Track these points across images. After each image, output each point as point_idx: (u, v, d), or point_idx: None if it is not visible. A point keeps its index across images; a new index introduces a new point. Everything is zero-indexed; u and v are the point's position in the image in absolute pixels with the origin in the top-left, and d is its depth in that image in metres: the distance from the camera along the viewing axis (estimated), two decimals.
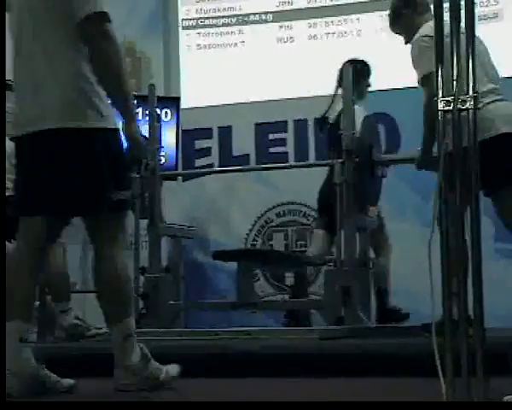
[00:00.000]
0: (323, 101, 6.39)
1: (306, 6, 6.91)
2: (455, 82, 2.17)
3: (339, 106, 5.23)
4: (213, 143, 6.92)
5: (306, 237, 6.67)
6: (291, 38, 6.91)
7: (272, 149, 6.78)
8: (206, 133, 6.92)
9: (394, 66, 5.97)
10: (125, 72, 3.04)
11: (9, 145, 5.01)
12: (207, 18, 7.12)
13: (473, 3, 2.20)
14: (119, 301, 3.04)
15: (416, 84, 5.23)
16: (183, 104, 6.74)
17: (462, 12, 2.20)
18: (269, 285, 6.66)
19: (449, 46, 2.19)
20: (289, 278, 6.47)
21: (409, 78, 5.89)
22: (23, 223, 3.13)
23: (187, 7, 7.19)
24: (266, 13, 6.99)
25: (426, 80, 4.02)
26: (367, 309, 5.01)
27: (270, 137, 6.80)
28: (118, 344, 3.02)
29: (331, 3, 6.85)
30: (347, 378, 3.45)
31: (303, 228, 6.69)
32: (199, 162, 6.92)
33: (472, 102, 2.16)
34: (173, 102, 6.68)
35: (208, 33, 7.12)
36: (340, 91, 5.31)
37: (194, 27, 7.15)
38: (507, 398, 2.16)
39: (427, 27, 4.09)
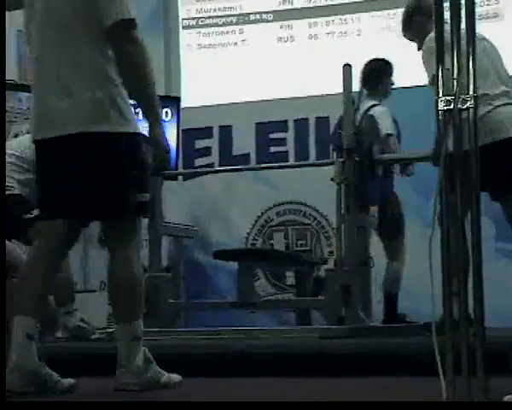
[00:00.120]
0: (324, 100, 6.40)
1: (307, 5, 6.91)
2: (455, 81, 2.17)
3: (364, 106, 5.23)
4: (214, 143, 6.92)
5: (307, 236, 6.67)
6: (291, 37, 6.91)
7: (272, 149, 6.78)
8: (206, 133, 6.92)
9: (394, 65, 5.95)
10: (152, 76, 3.05)
11: (11, 145, 5.04)
12: (208, 17, 7.12)
13: (473, 3, 2.20)
14: (130, 302, 3.05)
15: (417, 84, 5.26)
16: (184, 104, 6.75)
17: (463, 11, 2.20)
18: (269, 285, 6.66)
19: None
20: (290, 278, 6.48)
21: (409, 77, 5.93)
22: (45, 224, 3.15)
23: (187, 6, 7.19)
24: (267, 12, 6.99)
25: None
26: (367, 309, 5.01)
27: (271, 136, 6.81)
28: (124, 344, 3.03)
29: (331, 3, 6.85)
30: (347, 378, 3.45)
31: (303, 227, 6.69)
32: (199, 162, 6.92)
33: (472, 102, 2.16)
34: (173, 101, 6.68)
35: (209, 33, 7.12)
36: (364, 91, 5.31)
37: (194, 27, 7.15)
38: (507, 398, 2.16)
39: None
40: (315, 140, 6.67)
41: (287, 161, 6.62)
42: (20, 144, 4.99)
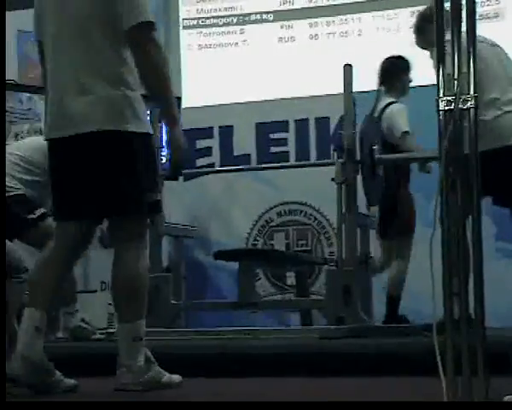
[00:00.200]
0: (324, 100, 6.40)
1: (307, 6, 6.90)
2: (456, 81, 2.17)
3: (383, 102, 5.23)
4: (214, 143, 6.91)
5: (307, 236, 6.67)
6: (292, 37, 6.90)
7: (273, 149, 6.78)
8: (207, 133, 6.92)
9: None
10: (170, 79, 3.09)
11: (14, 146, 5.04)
12: (208, 18, 7.11)
13: (474, 3, 2.20)
14: (133, 302, 3.05)
15: (419, 84, 5.25)
16: (184, 104, 6.73)
17: (463, 11, 2.20)
18: (270, 285, 6.66)
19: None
20: (290, 278, 6.47)
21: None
22: (60, 224, 3.18)
23: (188, 6, 7.18)
24: (267, 12, 6.98)
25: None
26: (368, 309, 5.01)
27: (271, 136, 6.80)
28: (125, 344, 3.03)
29: (332, 3, 6.84)
30: (348, 378, 3.46)
31: (304, 228, 6.69)
32: (200, 162, 6.91)
33: (473, 102, 2.16)
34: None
35: (209, 33, 7.11)
36: (382, 88, 5.31)
37: (194, 27, 7.15)
38: (507, 398, 2.16)
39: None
40: (315, 140, 6.67)
41: (287, 161, 6.62)
42: (25, 145, 5.00)
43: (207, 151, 6.94)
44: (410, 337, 4.31)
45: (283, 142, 6.77)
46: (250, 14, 7.02)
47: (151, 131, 3.15)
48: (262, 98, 6.70)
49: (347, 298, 4.68)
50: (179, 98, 6.76)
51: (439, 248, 2.17)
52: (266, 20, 6.98)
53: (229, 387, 3.36)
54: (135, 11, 3.00)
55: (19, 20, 6.59)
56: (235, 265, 5.47)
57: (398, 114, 5.16)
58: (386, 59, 5.41)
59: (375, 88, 5.45)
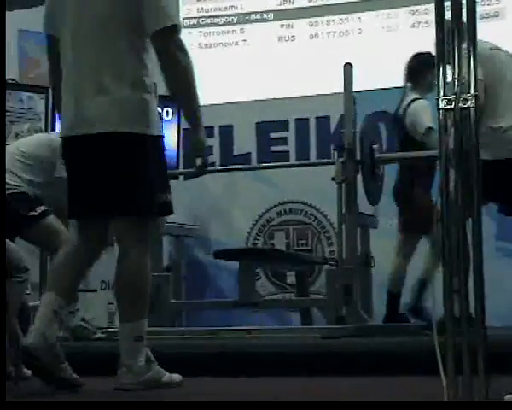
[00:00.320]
0: (324, 100, 6.40)
1: (307, 5, 6.90)
2: (456, 81, 2.17)
3: (407, 100, 5.22)
4: (214, 142, 6.91)
5: (307, 235, 6.67)
6: (292, 36, 6.90)
7: (273, 148, 6.78)
8: (207, 132, 6.82)
9: (395, 64, 5.95)
10: (195, 82, 3.12)
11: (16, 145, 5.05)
12: (208, 17, 7.11)
13: (474, 2, 2.20)
14: (136, 301, 3.06)
15: None
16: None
17: (464, 10, 2.20)
18: (270, 284, 6.66)
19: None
20: (291, 277, 6.47)
21: None
22: (76, 222, 3.23)
23: (188, 6, 7.18)
24: (267, 12, 6.98)
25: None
26: (368, 308, 5.01)
27: (272, 135, 6.80)
28: (127, 344, 3.03)
29: (332, 2, 6.84)
30: (348, 378, 3.45)
31: (304, 227, 6.69)
32: (201, 161, 6.90)
33: (473, 101, 2.16)
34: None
35: (209, 32, 7.11)
36: (408, 85, 5.30)
37: (195, 26, 7.15)
38: (508, 397, 2.16)
39: None
40: (316, 139, 6.67)
41: (288, 160, 6.62)
42: (28, 142, 5.00)
43: (207, 150, 6.92)
44: (411, 337, 4.31)
45: (283, 141, 6.77)
46: (250, 13, 7.03)
47: (163, 133, 3.20)
48: (262, 97, 6.69)
49: (347, 297, 4.68)
50: None
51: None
52: (266, 20, 6.98)
53: (230, 386, 3.36)
54: (161, 14, 3.02)
55: (19, 20, 6.60)
56: (235, 264, 5.47)
57: (422, 111, 5.12)
58: (413, 56, 5.37)
59: (375, 87, 5.45)
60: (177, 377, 3.14)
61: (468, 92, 2.16)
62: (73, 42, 3.10)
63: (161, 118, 5.98)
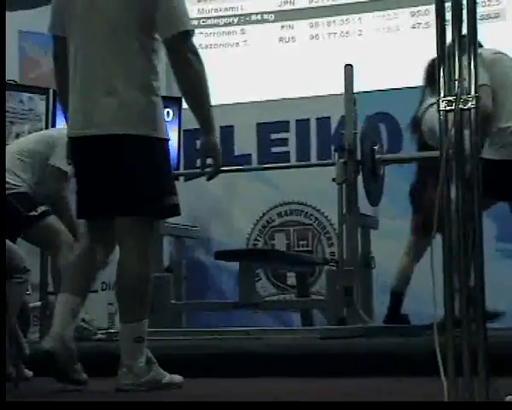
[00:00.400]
0: (325, 100, 6.40)
1: (308, 6, 6.91)
2: (457, 82, 2.17)
3: (426, 103, 5.22)
4: None
5: (308, 236, 6.67)
6: (293, 37, 6.90)
7: (274, 149, 6.78)
8: None
9: (396, 66, 5.97)
10: (208, 88, 3.20)
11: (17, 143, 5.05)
12: (209, 18, 7.11)
13: (474, 3, 2.20)
14: (136, 302, 3.06)
15: (418, 85, 5.24)
16: (185, 104, 6.73)
17: (464, 12, 2.20)
18: (271, 285, 6.66)
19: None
20: (291, 278, 6.47)
21: (410, 78, 5.92)
22: (88, 223, 3.26)
23: (189, 6, 7.14)
24: (268, 13, 6.99)
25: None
26: (369, 309, 5.00)
27: (272, 136, 6.80)
28: (127, 344, 3.03)
29: (332, 3, 6.85)
30: (349, 378, 3.45)
31: (304, 228, 6.69)
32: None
33: (474, 102, 2.16)
34: (175, 101, 6.66)
35: (210, 33, 7.12)
36: (428, 89, 5.29)
37: (196, 27, 7.11)
38: (509, 398, 2.16)
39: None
40: (316, 140, 6.67)
41: (288, 161, 6.62)
42: (27, 140, 5.01)
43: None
44: (411, 338, 4.31)
45: (284, 142, 6.77)
46: (251, 14, 7.03)
47: (169, 137, 3.24)
48: (263, 98, 6.70)
49: (348, 298, 4.68)
50: (180, 98, 6.78)
51: (440, 249, 2.17)
52: (267, 21, 6.99)
53: (230, 387, 3.36)
54: (175, 19, 3.06)
55: (20, 21, 6.60)
56: (235, 265, 5.47)
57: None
58: (432, 60, 5.36)
59: (376, 88, 5.45)
60: (177, 378, 3.14)
61: (469, 93, 2.16)
62: (83, 42, 3.11)
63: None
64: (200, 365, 3.73)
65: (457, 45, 2.18)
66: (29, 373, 3.61)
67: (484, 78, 4.06)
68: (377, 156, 5.04)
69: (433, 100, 5.22)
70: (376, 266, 5.21)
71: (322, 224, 6.61)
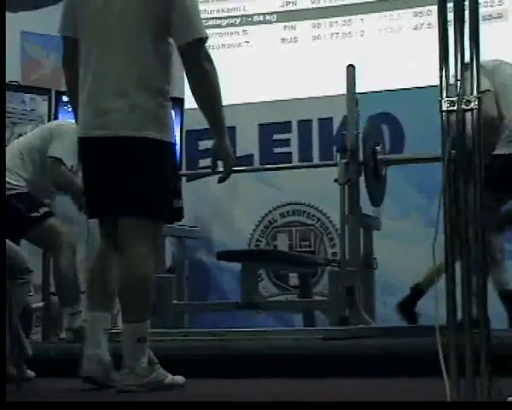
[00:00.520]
0: (327, 101, 6.40)
1: (310, 6, 6.90)
2: (459, 82, 2.17)
3: None
4: None
5: (310, 237, 6.67)
6: (295, 38, 6.90)
7: (276, 150, 6.78)
8: (209, 134, 6.88)
9: (398, 66, 5.96)
10: (221, 94, 3.20)
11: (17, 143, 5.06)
12: (211, 18, 7.11)
13: (477, 3, 2.20)
14: (140, 302, 3.06)
15: (421, 85, 5.24)
16: (187, 105, 6.72)
17: (466, 12, 2.20)
18: (273, 285, 6.66)
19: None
20: (293, 279, 6.47)
21: (412, 78, 5.93)
22: (101, 224, 3.27)
23: None
24: (270, 13, 6.99)
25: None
26: (371, 310, 5.00)
27: (274, 137, 6.80)
28: (129, 345, 3.03)
29: (335, 4, 6.85)
30: (351, 379, 3.45)
31: (307, 228, 6.69)
32: (203, 163, 6.90)
33: (476, 103, 2.16)
34: (177, 102, 6.66)
35: (212, 34, 7.10)
36: None
37: None
38: (511, 398, 2.16)
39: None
40: (318, 141, 6.67)
41: (290, 161, 6.62)
42: (27, 138, 5.02)
43: (210, 152, 6.92)
44: (414, 338, 4.30)
45: (286, 142, 6.77)
46: (253, 15, 7.03)
47: (175, 141, 3.28)
48: (265, 99, 6.70)
49: (350, 299, 4.68)
50: (182, 99, 6.79)
51: (443, 249, 2.17)
52: (269, 21, 6.98)
53: (232, 388, 3.36)
54: (191, 26, 3.08)
55: (22, 22, 6.61)
56: (237, 265, 5.47)
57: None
58: None
59: (378, 89, 5.45)
60: (179, 378, 3.15)
61: (471, 94, 2.16)
62: (96, 43, 3.11)
63: None
64: (202, 365, 3.73)
65: (460, 46, 2.18)
66: (31, 374, 3.62)
67: (486, 84, 4.07)
68: (379, 157, 5.05)
69: None
70: (378, 267, 5.21)
71: (325, 224, 6.61)
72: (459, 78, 2.17)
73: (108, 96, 3.08)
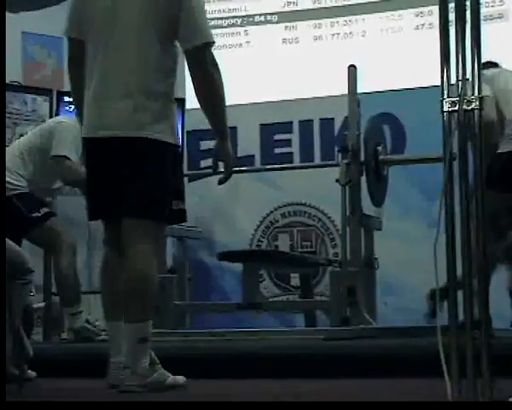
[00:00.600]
0: (329, 101, 6.40)
1: (311, 7, 6.90)
2: (460, 83, 2.17)
3: None
4: None
5: (311, 237, 6.67)
6: (296, 38, 6.90)
7: (277, 150, 6.78)
8: (210, 134, 6.86)
9: (399, 66, 5.96)
10: (225, 98, 3.24)
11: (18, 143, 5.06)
12: (212, 19, 7.09)
13: (478, 4, 2.20)
14: (142, 302, 3.06)
15: (422, 86, 5.24)
16: (188, 105, 6.72)
17: (468, 12, 2.20)
18: (274, 286, 6.66)
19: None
20: (295, 279, 6.47)
21: (414, 78, 5.93)
22: (105, 228, 3.27)
23: None
24: (271, 14, 6.99)
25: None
26: (372, 310, 5.00)
27: (276, 137, 6.80)
28: (131, 345, 3.03)
29: (336, 4, 6.85)
30: (352, 379, 3.45)
31: (308, 229, 6.69)
32: (204, 163, 6.90)
33: (477, 103, 2.16)
34: (178, 102, 6.58)
35: (213, 34, 7.10)
36: None
37: None
38: None
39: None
40: (320, 141, 6.67)
41: (292, 162, 6.62)
42: (27, 138, 5.03)
43: (211, 152, 6.91)
44: (415, 339, 4.31)
45: (287, 143, 6.77)
46: (254, 15, 7.03)
47: (179, 143, 3.29)
48: (266, 99, 6.70)
49: (351, 299, 4.68)
50: (183, 100, 6.79)
51: (444, 250, 2.17)
52: (270, 22, 6.98)
53: (234, 388, 3.36)
54: (199, 30, 3.11)
55: (23, 22, 6.61)
56: (239, 266, 5.47)
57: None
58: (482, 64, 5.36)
59: (380, 89, 5.45)
60: (181, 379, 3.15)
61: (473, 94, 2.16)
62: (104, 44, 3.12)
63: None
64: (203, 366, 3.73)
65: (461, 46, 2.18)
66: (32, 374, 3.62)
67: (486, 91, 4.08)
68: (381, 157, 5.04)
69: None
70: (380, 267, 5.21)
71: (326, 225, 6.61)
72: (460, 78, 2.17)
73: (113, 96, 3.08)
